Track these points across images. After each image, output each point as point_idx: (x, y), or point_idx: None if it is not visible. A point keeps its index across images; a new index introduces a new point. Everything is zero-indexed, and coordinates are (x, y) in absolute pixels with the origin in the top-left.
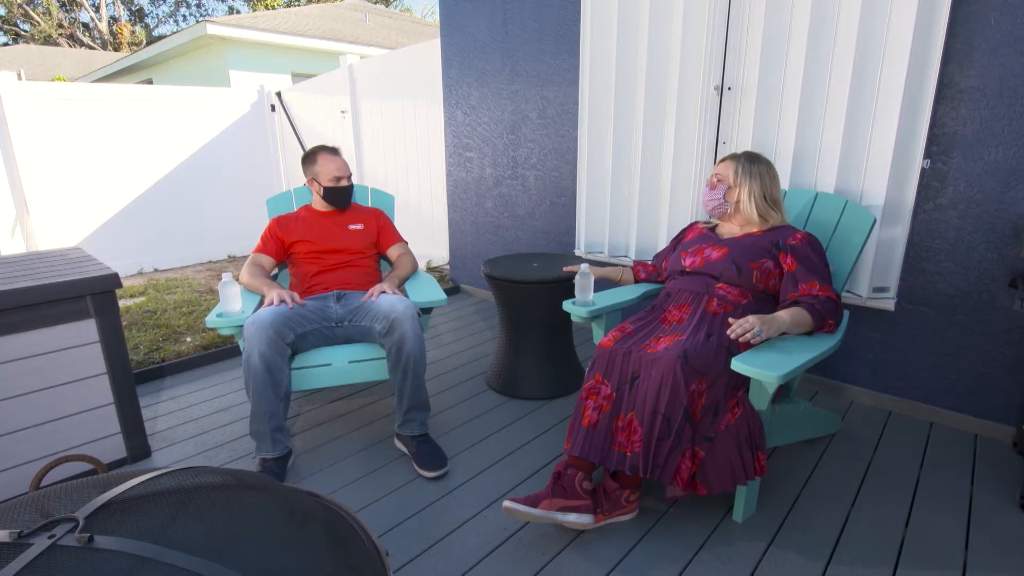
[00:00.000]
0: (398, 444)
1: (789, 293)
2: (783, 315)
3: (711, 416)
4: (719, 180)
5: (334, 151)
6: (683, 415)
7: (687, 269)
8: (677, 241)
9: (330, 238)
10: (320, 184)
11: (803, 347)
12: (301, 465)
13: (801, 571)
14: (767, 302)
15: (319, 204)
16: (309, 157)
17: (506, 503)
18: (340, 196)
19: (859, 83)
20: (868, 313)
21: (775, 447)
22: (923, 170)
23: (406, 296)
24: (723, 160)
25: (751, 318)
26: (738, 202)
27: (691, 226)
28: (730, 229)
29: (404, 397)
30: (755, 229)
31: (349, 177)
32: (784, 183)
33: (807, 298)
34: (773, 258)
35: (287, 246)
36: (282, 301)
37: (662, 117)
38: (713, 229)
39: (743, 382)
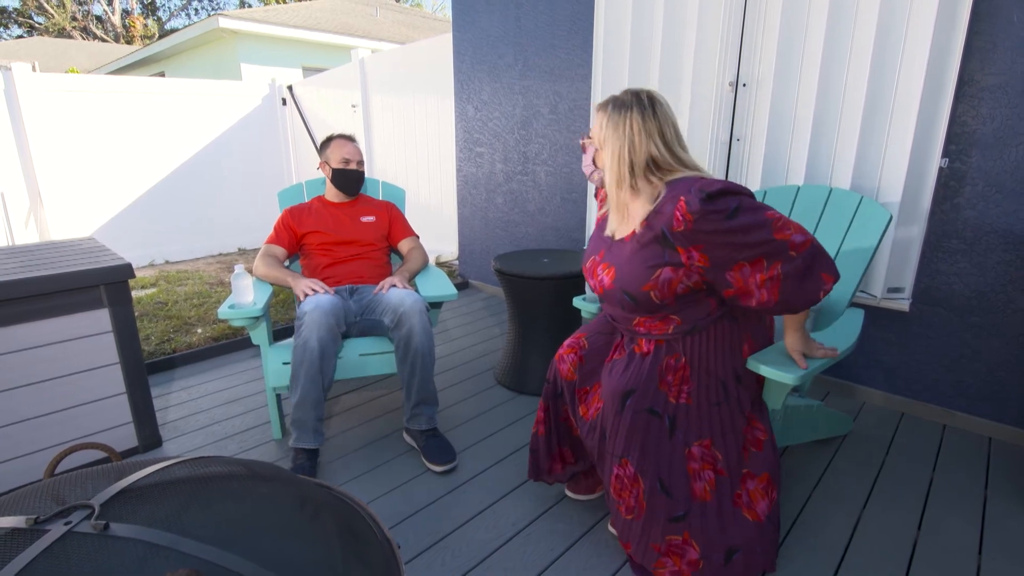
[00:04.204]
0: (407, 438)
1: (740, 304)
2: (791, 342)
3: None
4: (589, 138)
5: (349, 138)
6: (610, 499)
7: (598, 291)
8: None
9: (342, 230)
10: (330, 167)
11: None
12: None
13: (812, 572)
14: (695, 303)
15: (332, 195)
16: (325, 143)
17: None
18: (348, 180)
19: (877, 80)
20: (882, 314)
21: (787, 447)
22: (941, 169)
23: (416, 290)
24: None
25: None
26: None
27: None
28: (617, 219)
29: (412, 391)
30: (638, 218)
31: (360, 163)
32: (799, 179)
33: (769, 306)
34: (669, 259)
35: (299, 237)
36: (314, 291)
37: (675, 113)
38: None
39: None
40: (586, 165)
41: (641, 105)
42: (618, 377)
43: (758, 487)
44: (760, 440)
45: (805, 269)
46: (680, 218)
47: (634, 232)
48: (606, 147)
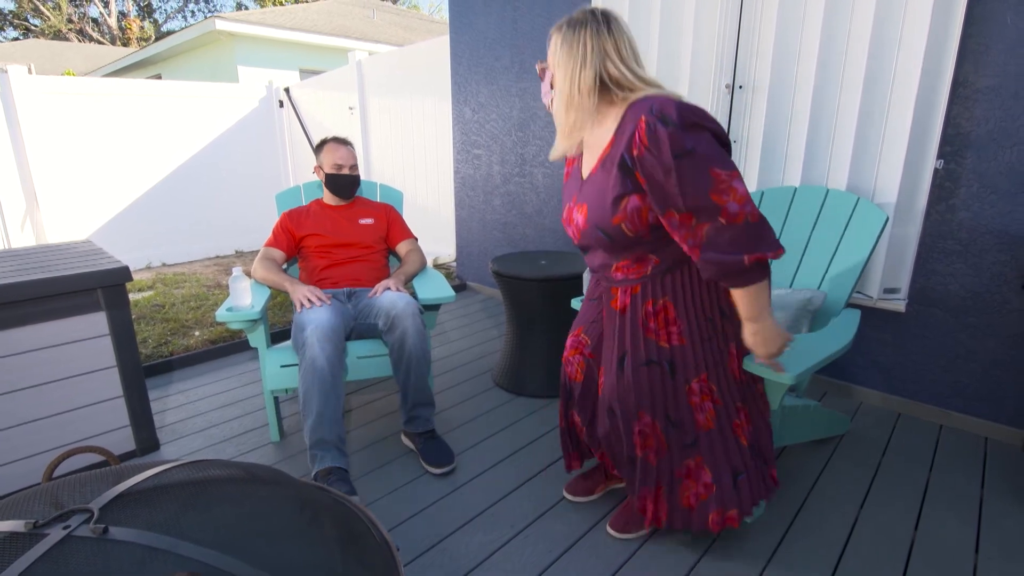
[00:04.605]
0: (405, 440)
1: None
2: (744, 335)
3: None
4: (545, 63)
5: (342, 141)
6: (637, 462)
7: (576, 240)
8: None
9: (340, 232)
10: (323, 171)
11: (816, 346)
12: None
13: (810, 572)
14: (671, 238)
15: (329, 198)
16: (319, 147)
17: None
18: (340, 185)
19: (873, 82)
20: (878, 314)
21: (784, 447)
22: (936, 170)
23: (413, 293)
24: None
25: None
26: None
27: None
28: (588, 151)
29: (408, 394)
30: (603, 145)
31: (352, 167)
32: (795, 180)
33: (699, 259)
34: (634, 187)
35: (298, 240)
36: (311, 302)
37: None
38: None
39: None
40: (544, 94)
41: (596, 22)
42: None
43: (743, 417)
44: (743, 379)
45: (730, 242)
46: (637, 142)
47: (600, 160)
48: (559, 68)
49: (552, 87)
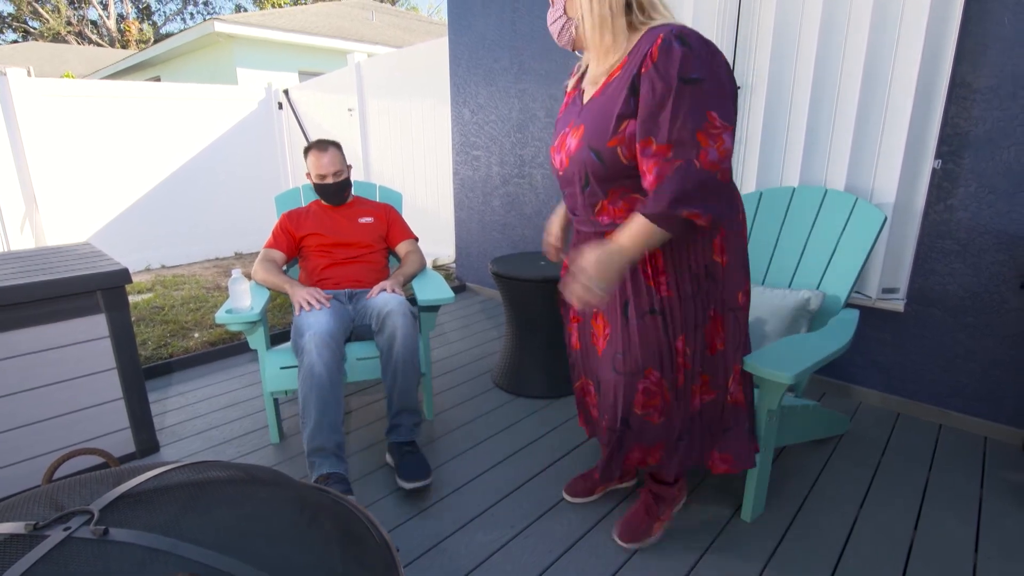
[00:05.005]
0: (388, 458)
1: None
2: (615, 245)
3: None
4: None
5: (323, 148)
6: (632, 422)
7: (559, 172)
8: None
9: (340, 231)
10: (311, 179)
11: (815, 346)
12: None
13: (809, 572)
14: None
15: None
16: (304, 153)
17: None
18: (328, 193)
19: (870, 82)
20: (877, 314)
21: (784, 447)
22: (934, 170)
23: (411, 294)
24: None
25: (572, 283)
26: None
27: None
28: (594, 78)
29: (393, 397)
30: (615, 62)
31: (337, 174)
32: (793, 180)
33: (654, 189)
34: (637, 108)
35: (298, 240)
36: (311, 304)
37: None
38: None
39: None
40: (553, 21)
41: None
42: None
43: (702, 383)
44: (715, 347)
45: (694, 186)
46: (649, 57)
47: (607, 82)
48: None
49: (565, 10)
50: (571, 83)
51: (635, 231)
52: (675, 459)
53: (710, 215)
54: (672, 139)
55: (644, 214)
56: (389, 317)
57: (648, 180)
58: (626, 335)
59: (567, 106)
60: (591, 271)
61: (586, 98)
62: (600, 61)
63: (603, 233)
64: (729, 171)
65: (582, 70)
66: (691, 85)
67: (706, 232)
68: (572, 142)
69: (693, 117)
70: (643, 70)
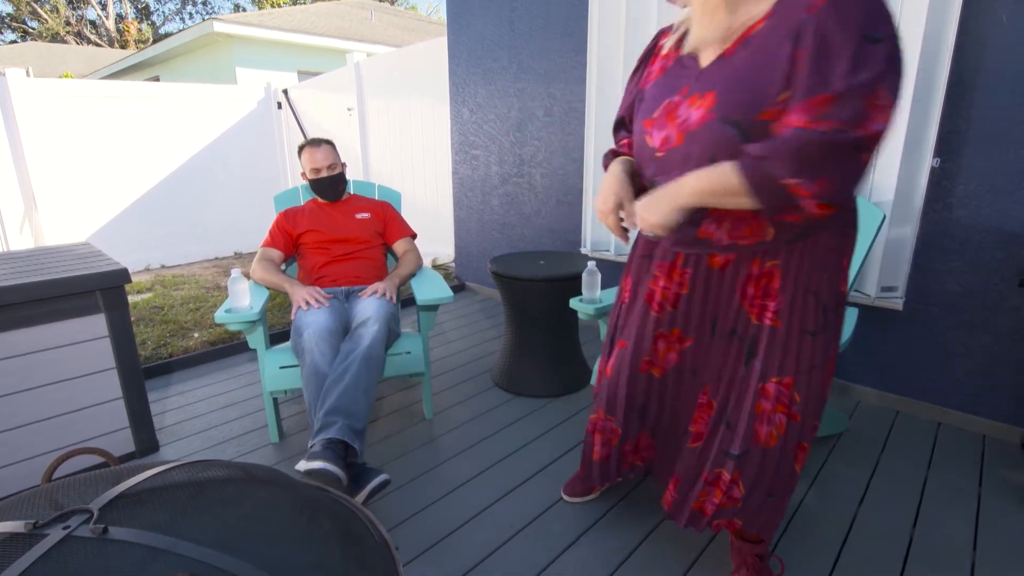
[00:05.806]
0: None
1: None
2: (674, 183)
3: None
4: None
5: (317, 144)
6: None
7: (658, 153)
8: (638, 79)
9: (337, 227)
10: (307, 177)
11: None
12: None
13: (808, 570)
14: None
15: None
16: (298, 152)
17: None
18: (322, 187)
19: None
20: (876, 313)
21: None
22: (933, 168)
23: (411, 294)
24: None
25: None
26: None
27: (656, 43)
28: (707, 34)
29: (330, 390)
30: (757, 13)
31: (331, 167)
32: None
33: (792, 133)
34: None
35: (295, 238)
36: (310, 303)
37: None
38: (685, 39)
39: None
40: None
41: None
42: (700, 304)
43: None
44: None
45: (833, 154)
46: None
47: (746, 35)
48: None
49: None
50: (670, 42)
51: (714, 182)
52: (765, 516)
53: (825, 203)
54: (839, 91)
55: (741, 159)
56: (364, 326)
57: (788, 121)
58: (708, 353)
59: (662, 72)
60: (653, 213)
61: (704, 61)
62: (726, 12)
63: (722, 253)
64: (872, 158)
65: (680, 30)
66: (871, 45)
67: (842, 245)
68: (693, 114)
69: (867, 85)
70: (808, 12)
